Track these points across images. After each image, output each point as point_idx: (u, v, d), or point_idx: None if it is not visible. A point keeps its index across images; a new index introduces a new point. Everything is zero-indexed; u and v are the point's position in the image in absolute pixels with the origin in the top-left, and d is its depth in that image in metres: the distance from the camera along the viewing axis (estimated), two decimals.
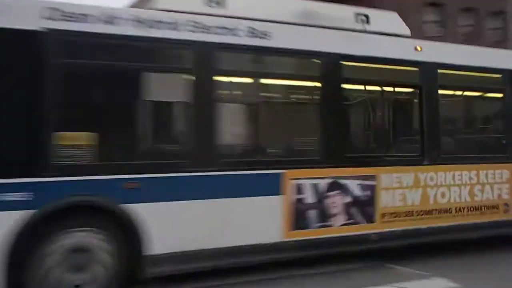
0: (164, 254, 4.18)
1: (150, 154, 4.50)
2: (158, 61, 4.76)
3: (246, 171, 4.68)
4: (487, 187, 6.02)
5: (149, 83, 4.35)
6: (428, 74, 5.71)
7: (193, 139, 4.57)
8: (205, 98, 4.57)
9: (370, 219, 5.27)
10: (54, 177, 3.84)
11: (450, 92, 6.42)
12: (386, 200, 5.35)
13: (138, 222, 4.05)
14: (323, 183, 4.99)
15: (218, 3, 4.87)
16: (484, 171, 5.98)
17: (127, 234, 4.07)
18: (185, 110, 4.74)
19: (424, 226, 5.59)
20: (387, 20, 5.87)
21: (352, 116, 5.78)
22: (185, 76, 4.67)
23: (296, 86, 5.66)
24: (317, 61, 5.15)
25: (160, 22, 4.34)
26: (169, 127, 5.05)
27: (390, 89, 5.96)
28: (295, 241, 4.88)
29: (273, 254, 4.77)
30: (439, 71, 5.80)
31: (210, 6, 4.83)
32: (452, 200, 5.77)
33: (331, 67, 5.14)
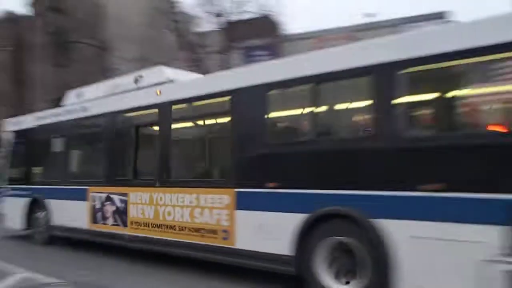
0: None
1: None
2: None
3: (75, 186, 8.59)
4: (206, 211, 6.24)
5: None
6: (164, 112, 7.02)
7: None
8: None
9: (125, 224, 7.56)
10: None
11: (182, 124, 7.23)
12: (133, 212, 7.41)
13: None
14: (103, 196, 7.99)
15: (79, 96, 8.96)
16: (204, 195, 6.29)
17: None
18: None
19: (157, 237, 6.98)
20: (154, 74, 7.56)
21: (118, 151, 8.04)
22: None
23: (93, 134, 8.79)
24: (105, 118, 8.15)
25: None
26: None
27: (145, 129, 7.81)
28: (94, 230, 8.19)
29: (85, 234, 8.36)
30: (173, 107, 6.91)
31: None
32: (175, 218, 6.68)
33: (111, 121, 8.04)
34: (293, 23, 68.28)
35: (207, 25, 19.09)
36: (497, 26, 4.04)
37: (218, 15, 18.01)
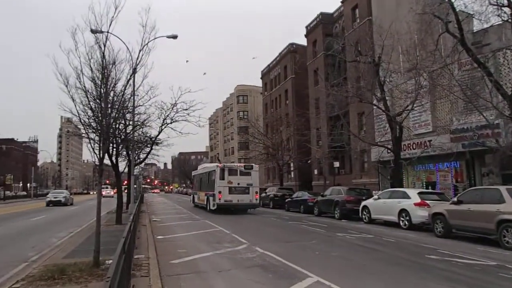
0: None
1: None
2: None
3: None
4: None
5: None
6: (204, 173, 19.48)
7: None
8: None
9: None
10: None
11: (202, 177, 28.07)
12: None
13: None
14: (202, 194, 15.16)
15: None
16: None
17: None
18: None
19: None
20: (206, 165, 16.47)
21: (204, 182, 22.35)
22: None
23: (201, 176, 31.15)
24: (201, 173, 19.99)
25: None
26: None
27: (205, 176, 26.19)
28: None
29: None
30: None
31: None
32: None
33: (202, 174, 23.48)
34: None
35: (492, 19, 16.61)
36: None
37: (504, 5, 15.34)
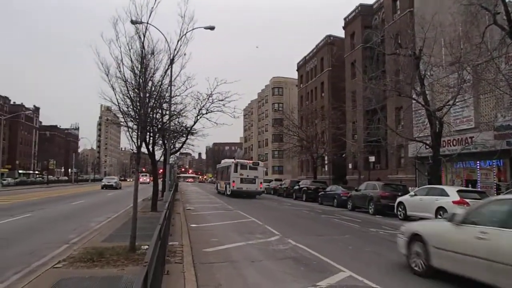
0: None
1: None
2: None
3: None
4: None
5: None
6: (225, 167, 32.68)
7: None
8: None
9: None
10: None
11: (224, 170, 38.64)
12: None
13: None
14: (223, 183, 34.29)
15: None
16: None
17: None
18: None
19: None
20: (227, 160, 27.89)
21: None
22: None
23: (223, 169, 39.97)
24: (223, 166, 35.58)
25: None
26: None
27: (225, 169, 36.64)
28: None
29: None
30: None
31: None
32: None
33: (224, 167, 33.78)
34: None
35: None
36: None
37: None
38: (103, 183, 50.04)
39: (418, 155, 25.39)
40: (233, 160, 37.48)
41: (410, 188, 23.37)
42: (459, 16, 19.43)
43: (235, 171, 33.74)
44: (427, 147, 22.15)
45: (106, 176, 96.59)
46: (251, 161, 38.93)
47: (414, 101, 23.67)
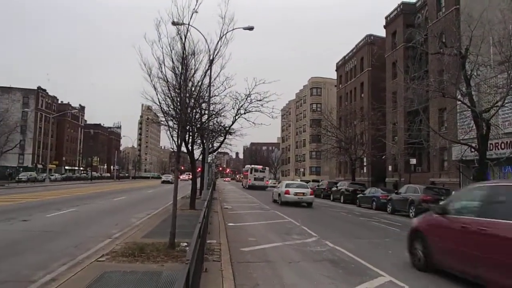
0: None
1: None
2: None
3: None
4: None
5: None
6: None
7: None
8: None
9: None
10: None
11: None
12: None
13: None
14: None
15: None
16: None
17: None
18: None
19: None
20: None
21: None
22: None
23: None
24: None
25: None
26: None
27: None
28: None
29: None
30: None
31: None
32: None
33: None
34: None
35: None
36: None
37: None
38: (162, 179, 69.93)
39: (462, 158, 24.42)
40: (249, 166, 60.73)
41: (453, 192, 22.50)
42: (510, 13, 18.53)
43: (251, 172, 53.37)
44: (473, 150, 21.25)
45: (145, 172, 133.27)
46: (260, 166, 57.90)
47: (459, 102, 22.77)
